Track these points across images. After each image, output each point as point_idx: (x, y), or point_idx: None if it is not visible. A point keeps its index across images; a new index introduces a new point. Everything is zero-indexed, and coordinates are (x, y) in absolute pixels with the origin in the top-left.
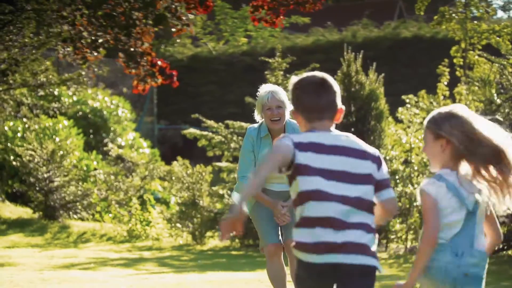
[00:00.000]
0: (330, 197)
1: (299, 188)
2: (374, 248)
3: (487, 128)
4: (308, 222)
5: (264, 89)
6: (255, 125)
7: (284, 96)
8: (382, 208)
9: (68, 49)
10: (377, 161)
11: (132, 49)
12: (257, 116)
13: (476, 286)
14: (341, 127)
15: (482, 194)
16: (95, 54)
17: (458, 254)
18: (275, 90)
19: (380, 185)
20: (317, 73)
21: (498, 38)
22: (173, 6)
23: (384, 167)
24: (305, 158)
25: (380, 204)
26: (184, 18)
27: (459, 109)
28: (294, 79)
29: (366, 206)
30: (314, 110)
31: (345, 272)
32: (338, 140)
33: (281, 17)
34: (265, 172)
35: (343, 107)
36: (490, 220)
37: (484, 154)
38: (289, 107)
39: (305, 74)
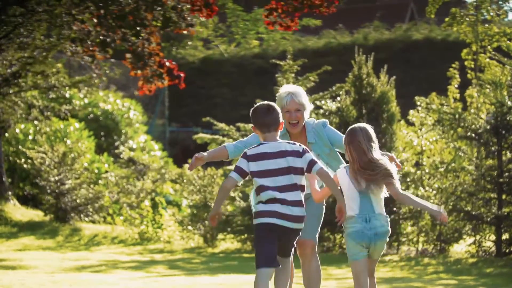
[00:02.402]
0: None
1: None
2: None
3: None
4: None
5: (284, 89)
6: None
7: (304, 97)
8: (319, 177)
9: (77, 48)
10: (305, 153)
11: (139, 49)
12: None
13: (384, 238)
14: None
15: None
16: (104, 53)
17: (367, 220)
18: (295, 92)
19: (310, 165)
20: (265, 102)
21: (508, 42)
22: (179, 6)
23: (309, 153)
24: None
25: (316, 175)
26: (188, 18)
27: (355, 127)
28: (253, 108)
29: (300, 187)
30: (264, 125)
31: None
32: (280, 146)
33: (296, 20)
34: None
35: (283, 121)
36: (388, 189)
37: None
38: (309, 108)
39: (258, 104)
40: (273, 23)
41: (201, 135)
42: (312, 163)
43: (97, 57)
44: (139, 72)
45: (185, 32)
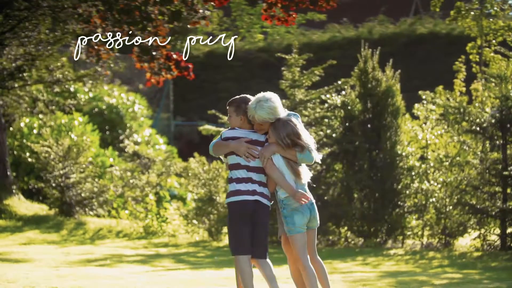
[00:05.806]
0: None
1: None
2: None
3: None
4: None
5: (254, 100)
6: None
7: (269, 113)
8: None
9: (82, 46)
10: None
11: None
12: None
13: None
14: (358, 123)
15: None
16: (109, 51)
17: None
18: (258, 111)
19: None
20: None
21: None
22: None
23: None
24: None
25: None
26: (200, 10)
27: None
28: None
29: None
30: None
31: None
32: (249, 134)
33: (294, 15)
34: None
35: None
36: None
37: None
38: (282, 114)
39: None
40: (271, 17)
41: (206, 126)
42: None
43: (102, 57)
44: (145, 64)
45: (199, 25)
